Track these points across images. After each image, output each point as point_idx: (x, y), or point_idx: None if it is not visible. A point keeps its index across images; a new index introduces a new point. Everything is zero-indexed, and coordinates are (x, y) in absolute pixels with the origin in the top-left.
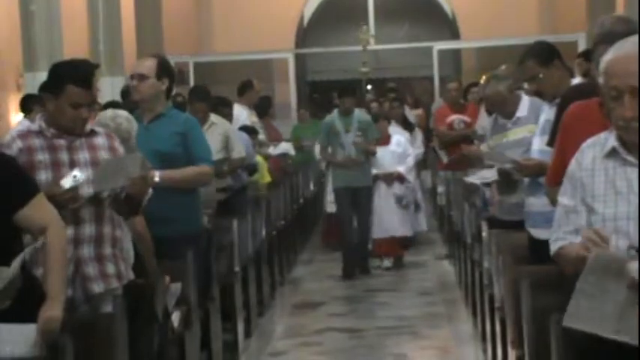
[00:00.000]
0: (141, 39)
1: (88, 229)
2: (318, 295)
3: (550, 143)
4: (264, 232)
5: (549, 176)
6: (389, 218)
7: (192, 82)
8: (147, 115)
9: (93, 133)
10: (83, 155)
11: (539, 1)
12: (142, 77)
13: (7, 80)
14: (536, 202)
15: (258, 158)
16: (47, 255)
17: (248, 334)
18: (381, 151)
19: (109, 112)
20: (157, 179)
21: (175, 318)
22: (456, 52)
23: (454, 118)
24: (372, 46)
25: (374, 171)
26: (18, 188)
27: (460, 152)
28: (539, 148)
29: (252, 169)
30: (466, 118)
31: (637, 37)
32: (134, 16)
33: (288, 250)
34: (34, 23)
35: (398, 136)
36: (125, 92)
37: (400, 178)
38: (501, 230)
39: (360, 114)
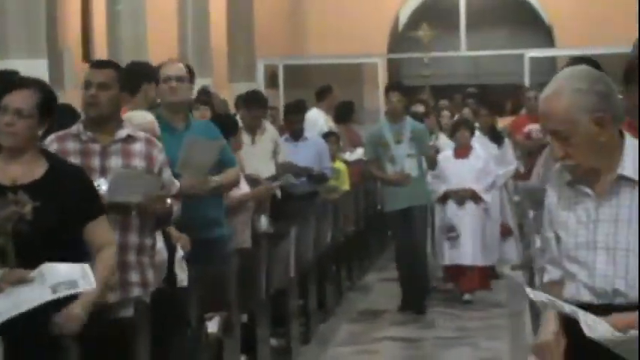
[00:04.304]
0: (232, 40)
1: None
2: (385, 303)
3: None
4: (329, 238)
5: None
6: (463, 242)
7: (281, 85)
8: (178, 121)
9: (130, 138)
10: (116, 161)
11: None
12: (181, 79)
13: None
14: None
15: (339, 164)
16: (100, 267)
17: (306, 340)
18: (457, 165)
19: (140, 113)
20: (213, 184)
21: (213, 323)
22: (552, 60)
23: (531, 127)
24: (463, 52)
25: (443, 187)
26: (92, 201)
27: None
28: None
29: (321, 177)
30: None
31: (567, 72)
32: (225, 17)
33: (360, 256)
34: (119, 22)
35: (479, 149)
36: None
37: (475, 198)
38: None
39: (413, 122)
